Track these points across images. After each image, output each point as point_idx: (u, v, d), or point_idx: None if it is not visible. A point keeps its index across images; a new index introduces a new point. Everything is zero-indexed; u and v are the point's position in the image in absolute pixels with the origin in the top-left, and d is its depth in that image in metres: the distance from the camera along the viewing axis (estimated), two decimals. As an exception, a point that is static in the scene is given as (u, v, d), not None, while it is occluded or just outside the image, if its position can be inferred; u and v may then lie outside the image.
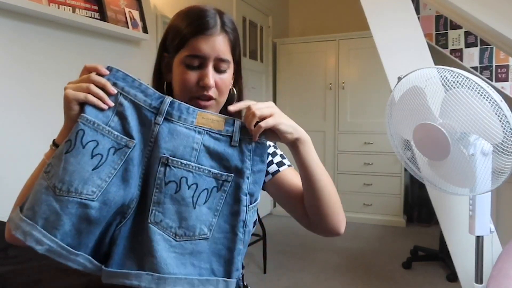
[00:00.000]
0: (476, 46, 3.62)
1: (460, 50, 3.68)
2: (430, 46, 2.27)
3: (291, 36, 4.81)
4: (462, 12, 1.83)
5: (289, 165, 0.92)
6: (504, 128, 1.28)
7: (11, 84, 1.71)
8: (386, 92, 1.97)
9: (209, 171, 0.76)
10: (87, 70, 0.75)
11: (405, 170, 2.76)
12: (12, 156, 1.67)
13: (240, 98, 0.94)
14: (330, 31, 4.39)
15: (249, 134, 0.78)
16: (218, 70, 0.84)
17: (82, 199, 0.68)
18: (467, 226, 1.62)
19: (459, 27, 3.62)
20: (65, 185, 0.68)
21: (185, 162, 0.74)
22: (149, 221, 0.72)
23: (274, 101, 4.41)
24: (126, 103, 0.74)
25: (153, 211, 0.72)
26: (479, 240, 1.60)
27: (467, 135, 1.37)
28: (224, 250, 0.75)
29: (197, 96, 0.83)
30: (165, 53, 0.88)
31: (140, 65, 2.38)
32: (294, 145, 0.80)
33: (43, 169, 0.71)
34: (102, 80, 0.73)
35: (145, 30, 2.35)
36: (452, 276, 2.63)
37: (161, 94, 0.76)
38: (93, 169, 0.70)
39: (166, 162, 0.74)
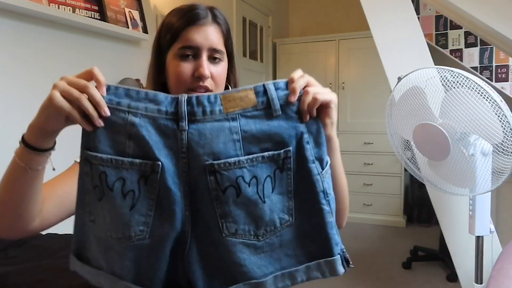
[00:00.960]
0: (476, 46, 3.62)
1: (460, 50, 3.69)
2: (430, 46, 2.27)
3: (291, 36, 4.81)
4: (462, 12, 1.83)
5: None
6: (504, 128, 1.28)
7: (11, 84, 1.71)
8: (386, 92, 1.97)
9: (263, 157, 0.65)
10: (89, 75, 0.64)
11: (405, 170, 2.75)
12: (12, 156, 1.67)
13: None
14: (330, 31, 4.39)
15: (286, 97, 0.67)
16: (212, 60, 0.83)
17: (133, 242, 0.64)
18: (467, 226, 1.62)
19: (459, 27, 3.62)
20: (113, 232, 0.65)
21: (232, 160, 0.64)
22: (224, 235, 0.65)
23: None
24: (138, 121, 0.64)
25: (223, 224, 0.65)
26: (479, 240, 1.60)
27: (467, 135, 1.37)
28: (314, 229, 0.68)
29: (192, 88, 0.82)
30: (159, 52, 0.87)
31: (140, 65, 2.38)
32: (329, 139, 0.73)
33: (88, 218, 0.67)
34: (97, 97, 0.62)
35: (145, 30, 2.35)
36: (452, 276, 2.63)
37: (172, 95, 0.66)
38: (130, 209, 0.64)
39: (212, 169, 0.64)
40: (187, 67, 0.81)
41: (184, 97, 0.65)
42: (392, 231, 3.83)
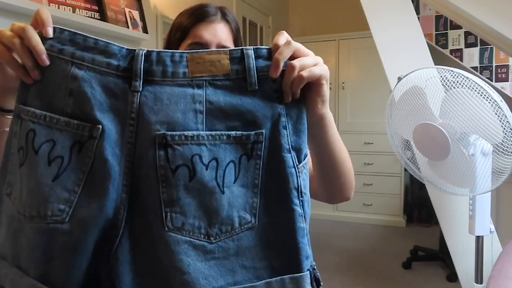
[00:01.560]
0: (476, 46, 3.62)
1: (460, 50, 3.69)
2: (430, 46, 2.27)
3: (291, 36, 4.80)
4: (462, 12, 1.83)
5: None
6: (504, 128, 1.28)
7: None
8: (386, 92, 1.97)
9: (229, 135, 0.53)
10: (34, 20, 0.53)
11: (405, 170, 2.76)
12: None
13: None
14: (330, 31, 4.39)
15: (267, 68, 0.55)
16: None
17: (48, 223, 0.50)
18: (467, 226, 1.62)
19: (459, 27, 3.62)
20: (27, 208, 0.51)
21: (190, 134, 0.52)
22: (166, 228, 0.51)
23: (274, 101, 4.41)
24: (82, 74, 0.52)
25: (168, 214, 0.51)
26: (479, 240, 1.60)
27: (467, 135, 1.37)
28: (281, 236, 0.54)
29: None
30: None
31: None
32: (322, 118, 0.63)
33: (5, 191, 0.54)
34: (33, 41, 0.51)
35: (145, 30, 2.35)
36: (452, 276, 2.63)
37: (130, 48, 0.53)
38: (53, 180, 0.51)
39: (163, 141, 0.52)
40: None
41: (142, 51, 0.53)
42: (392, 231, 3.83)
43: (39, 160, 0.51)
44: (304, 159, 0.56)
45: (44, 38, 0.53)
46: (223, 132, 0.53)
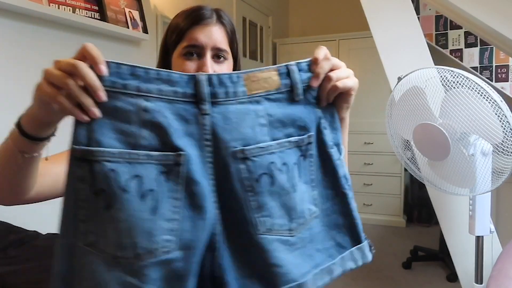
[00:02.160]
0: (476, 46, 3.62)
1: (460, 50, 3.68)
2: (430, 46, 2.27)
3: (291, 36, 4.81)
4: (462, 12, 1.83)
5: None
6: (504, 128, 1.28)
7: (11, 84, 1.71)
8: (386, 92, 1.97)
9: (289, 142, 0.61)
10: (82, 55, 0.52)
11: (405, 170, 2.75)
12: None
13: None
14: (330, 31, 4.38)
15: (308, 80, 0.63)
16: (216, 59, 0.84)
17: (157, 257, 0.52)
18: (467, 226, 1.62)
19: (459, 27, 3.62)
20: (130, 249, 0.51)
21: (263, 145, 0.58)
22: (259, 233, 0.57)
23: (274, 101, 4.42)
24: (152, 105, 0.53)
25: (258, 219, 0.57)
26: (479, 240, 1.60)
27: (467, 135, 1.37)
28: (339, 217, 0.65)
29: None
30: (166, 52, 0.88)
31: (140, 65, 2.38)
32: (343, 120, 0.71)
33: (83, 242, 0.52)
34: (89, 79, 0.51)
35: (145, 30, 2.35)
36: (452, 276, 2.63)
37: (188, 74, 0.56)
38: (152, 213, 0.52)
39: (243, 156, 0.57)
40: (191, 66, 0.82)
41: (203, 75, 0.56)
42: (392, 231, 3.83)
43: (131, 198, 0.51)
44: (342, 151, 0.66)
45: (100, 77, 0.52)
46: (284, 140, 0.60)
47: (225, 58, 0.85)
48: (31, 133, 0.58)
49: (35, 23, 1.80)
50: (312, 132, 0.63)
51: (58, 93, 0.51)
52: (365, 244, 0.66)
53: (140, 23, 2.32)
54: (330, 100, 0.65)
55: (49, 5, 1.77)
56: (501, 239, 1.78)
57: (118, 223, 0.51)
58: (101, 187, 0.51)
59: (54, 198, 0.74)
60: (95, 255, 0.51)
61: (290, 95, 0.61)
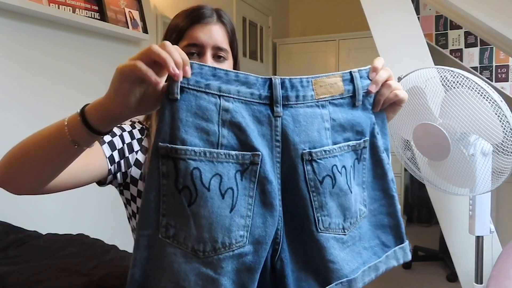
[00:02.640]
0: (476, 46, 3.62)
1: (460, 50, 3.68)
2: (430, 46, 2.27)
3: (291, 36, 4.81)
4: (462, 12, 1.83)
5: None
6: (504, 128, 1.28)
7: (11, 84, 1.71)
8: (386, 92, 1.96)
9: (348, 146, 0.64)
10: (148, 57, 0.52)
11: (405, 170, 2.75)
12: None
13: None
14: (330, 31, 4.38)
15: (367, 86, 0.66)
16: (217, 59, 0.84)
17: (233, 250, 0.56)
18: (467, 226, 1.62)
19: (459, 27, 3.62)
20: (208, 244, 0.55)
21: (327, 148, 0.62)
22: (319, 230, 0.61)
23: (274, 101, 4.42)
24: (231, 106, 0.56)
25: (319, 218, 0.61)
26: (479, 240, 1.60)
27: (467, 135, 1.37)
28: (385, 218, 0.68)
29: None
30: None
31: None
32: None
33: (163, 235, 0.56)
34: (181, 56, 0.53)
35: (145, 30, 2.35)
36: (452, 276, 2.63)
37: (263, 77, 0.58)
38: (231, 211, 0.56)
39: (310, 158, 0.60)
40: None
41: (277, 79, 0.59)
42: (392, 231, 3.83)
43: (213, 195, 0.55)
44: (389, 157, 0.70)
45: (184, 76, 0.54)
46: (344, 144, 0.64)
47: (225, 58, 0.85)
48: (97, 126, 0.56)
49: (35, 23, 1.79)
50: (367, 137, 0.66)
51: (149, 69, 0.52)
52: (406, 244, 0.69)
53: (140, 23, 2.31)
54: (384, 107, 0.68)
55: (49, 5, 1.77)
56: (501, 239, 1.78)
57: (199, 219, 0.55)
58: (185, 184, 0.54)
59: (66, 190, 0.73)
60: (174, 247, 0.55)
61: (351, 101, 0.64)
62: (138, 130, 0.84)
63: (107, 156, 0.75)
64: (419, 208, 4.02)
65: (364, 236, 0.67)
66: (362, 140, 0.65)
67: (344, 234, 0.64)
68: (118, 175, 0.79)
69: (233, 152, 0.56)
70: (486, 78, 3.55)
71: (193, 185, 0.54)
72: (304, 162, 0.60)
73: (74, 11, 1.89)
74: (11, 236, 1.43)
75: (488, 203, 1.57)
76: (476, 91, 1.30)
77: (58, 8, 1.81)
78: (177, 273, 0.55)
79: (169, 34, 0.86)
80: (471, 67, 3.61)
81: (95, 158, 0.71)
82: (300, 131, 0.60)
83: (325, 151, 0.61)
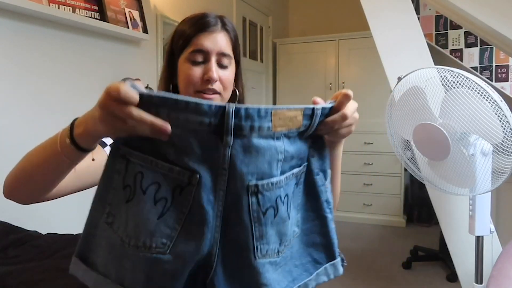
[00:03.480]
0: (476, 46, 3.62)
1: (460, 50, 3.69)
2: (430, 46, 2.27)
3: (291, 36, 4.81)
4: (462, 12, 1.83)
5: None
6: (504, 128, 1.28)
7: (11, 84, 1.71)
8: (386, 92, 1.96)
9: (292, 174, 0.65)
10: (111, 98, 0.53)
11: (405, 170, 2.75)
12: (12, 156, 1.67)
13: (241, 100, 0.98)
14: (330, 31, 4.38)
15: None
16: (221, 65, 0.88)
17: (152, 253, 0.59)
18: (467, 226, 1.62)
19: (459, 27, 3.62)
20: (133, 239, 0.59)
21: (274, 180, 0.62)
22: (256, 258, 0.62)
23: (274, 101, 4.42)
24: (179, 131, 0.58)
25: (258, 247, 0.62)
26: (479, 240, 1.60)
27: (467, 135, 1.37)
28: (317, 237, 0.70)
29: (201, 90, 0.87)
30: (172, 56, 0.92)
31: (140, 65, 2.38)
32: (338, 143, 0.79)
33: (105, 220, 0.61)
34: (147, 117, 0.55)
35: (145, 30, 2.35)
36: (452, 276, 2.63)
37: (218, 104, 0.57)
38: (158, 218, 0.59)
39: (256, 190, 0.61)
40: (197, 71, 0.86)
41: (231, 107, 0.57)
42: (392, 231, 3.83)
43: (147, 200, 0.58)
44: (328, 177, 0.70)
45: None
46: (289, 173, 0.64)
47: (228, 64, 0.90)
48: (87, 147, 0.63)
49: (35, 23, 1.80)
50: (306, 162, 0.67)
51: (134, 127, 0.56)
52: (338, 260, 0.72)
53: (140, 23, 2.32)
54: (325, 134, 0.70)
55: (49, 5, 1.77)
56: (501, 239, 1.78)
57: (130, 216, 0.59)
58: (128, 183, 0.59)
59: (70, 194, 0.81)
60: (111, 232, 0.61)
61: (303, 133, 0.65)
62: None
63: None
64: (419, 208, 4.02)
65: (295, 255, 0.69)
66: (302, 166, 0.67)
67: (278, 257, 0.65)
68: None
69: (176, 168, 0.58)
70: (486, 78, 3.55)
71: (134, 185, 0.59)
72: (250, 194, 0.60)
73: (74, 11, 1.89)
74: (11, 236, 1.44)
75: (488, 203, 1.57)
76: (476, 91, 1.30)
77: (58, 8, 1.81)
78: (108, 253, 0.61)
79: (176, 40, 0.90)
80: (471, 67, 3.61)
81: (100, 160, 0.73)
82: (250, 162, 0.60)
83: (272, 183, 0.62)
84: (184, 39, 0.88)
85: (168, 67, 0.93)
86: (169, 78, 0.93)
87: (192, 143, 0.58)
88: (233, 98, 0.95)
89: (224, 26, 0.90)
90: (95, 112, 0.57)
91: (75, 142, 0.62)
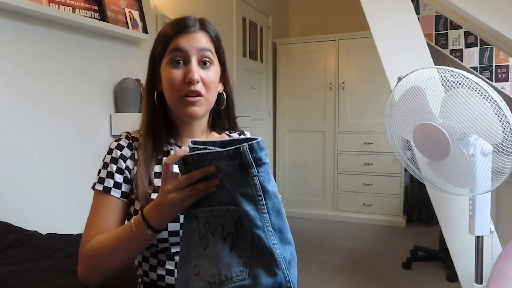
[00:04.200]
0: (476, 46, 3.62)
1: (460, 50, 3.69)
2: (430, 46, 2.27)
3: (291, 36, 4.81)
4: (462, 12, 1.83)
5: None
6: (504, 128, 1.28)
7: (11, 84, 1.71)
8: (386, 92, 1.96)
9: None
10: (177, 188, 0.73)
11: (405, 170, 2.76)
12: (12, 156, 1.67)
13: (228, 103, 0.99)
14: (330, 31, 4.39)
15: None
16: (203, 65, 0.88)
17: (235, 282, 0.67)
18: (467, 226, 1.62)
19: (459, 27, 3.62)
20: (216, 277, 0.68)
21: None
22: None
23: (274, 101, 4.42)
24: (220, 175, 0.72)
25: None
26: (479, 240, 1.60)
27: (467, 135, 1.37)
28: None
29: (185, 93, 0.86)
30: (154, 62, 0.92)
31: (140, 65, 2.38)
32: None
33: (193, 273, 0.72)
34: (202, 186, 0.72)
35: (145, 30, 2.35)
36: (452, 276, 2.63)
37: (233, 146, 0.68)
38: (230, 250, 0.69)
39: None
40: (178, 73, 0.86)
41: (244, 146, 0.67)
42: (392, 231, 3.83)
43: (217, 240, 0.70)
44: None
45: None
46: None
47: (211, 63, 0.89)
48: (161, 229, 0.78)
49: (35, 23, 1.80)
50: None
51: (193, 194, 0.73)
52: None
53: (140, 23, 2.32)
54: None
55: (49, 5, 1.77)
56: (501, 239, 1.78)
57: (210, 259, 0.70)
58: (202, 234, 0.72)
59: None
60: (199, 281, 0.70)
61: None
62: (126, 147, 0.91)
63: (119, 197, 0.90)
64: (419, 208, 4.02)
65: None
66: None
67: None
68: (130, 196, 0.93)
69: (230, 207, 0.70)
70: (486, 78, 3.55)
71: (206, 234, 0.71)
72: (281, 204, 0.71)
73: (74, 11, 1.89)
74: (11, 236, 1.43)
75: (488, 203, 1.57)
76: (476, 91, 1.30)
77: (58, 8, 1.81)
78: None
79: (157, 44, 0.91)
80: (471, 67, 3.61)
81: (115, 209, 0.90)
82: (270, 180, 0.70)
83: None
84: (163, 43, 0.89)
85: (151, 75, 0.93)
86: (152, 86, 0.92)
87: (231, 183, 0.70)
88: (219, 101, 0.95)
89: (203, 27, 0.90)
90: (162, 200, 0.73)
91: (154, 229, 0.77)
